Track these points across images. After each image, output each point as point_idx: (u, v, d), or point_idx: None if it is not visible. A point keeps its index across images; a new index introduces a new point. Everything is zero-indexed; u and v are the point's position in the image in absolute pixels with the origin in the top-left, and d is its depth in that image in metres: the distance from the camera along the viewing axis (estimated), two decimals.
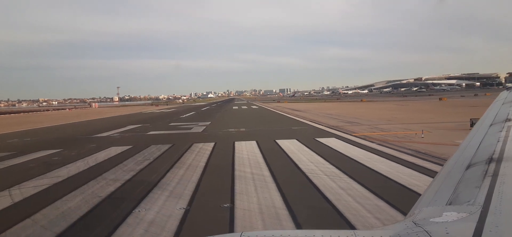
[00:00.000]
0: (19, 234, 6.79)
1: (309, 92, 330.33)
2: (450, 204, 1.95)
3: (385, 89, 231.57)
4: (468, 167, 2.52)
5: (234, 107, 72.42)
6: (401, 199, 7.93)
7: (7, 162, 15.11)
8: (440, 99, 74.53)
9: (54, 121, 47.03)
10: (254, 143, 17.97)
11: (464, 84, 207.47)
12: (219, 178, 10.88)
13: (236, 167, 12.30)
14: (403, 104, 59.83)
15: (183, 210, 7.73)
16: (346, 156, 13.64)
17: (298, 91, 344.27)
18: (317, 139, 18.77)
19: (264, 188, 9.35)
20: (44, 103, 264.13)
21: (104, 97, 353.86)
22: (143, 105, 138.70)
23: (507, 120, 3.80)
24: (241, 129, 26.25)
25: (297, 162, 12.64)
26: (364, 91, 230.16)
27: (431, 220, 1.74)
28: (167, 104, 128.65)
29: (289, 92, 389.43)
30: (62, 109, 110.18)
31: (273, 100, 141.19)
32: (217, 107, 77.03)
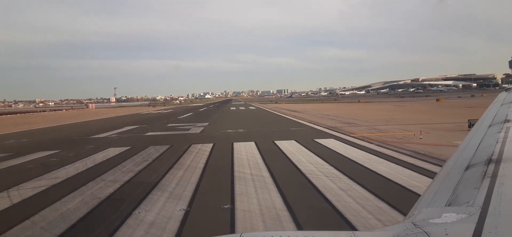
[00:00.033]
0: (18, 236, 6.74)
1: (307, 93, 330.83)
2: (449, 205, 1.95)
3: (382, 90, 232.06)
4: (467, 168, 2.52)
5: (231, 108, 72.36)
6: (401, 200, 7.93)
7: (4, 163, 15.01)
8: (437, 100, 74.86)
9: (51, 121, 46.84)
10: (252, 143, 17.95)
11: (460, 85, 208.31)
12: (219, 179, 10.85)
13: (235, 168, 12.28)
14: (400, 105, 60.01)
15: (183, 211, 7.70)
16: (345, 157, 13.64)
17: (296, 92, 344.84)
18: (316, 139, 18.77)
19: (264, 189, 9.33)
20: (41, 104, 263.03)
21: (101, 98, 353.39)
22: (140, 106, 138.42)
23: (506, 120, 3.80)
24: (239, 130, 26.22)
25: (296, 163, 12.64)
26: (361, 92, 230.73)
27: (430, 221, 1.74)
28: (164, 105, 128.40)
29: (286, 93, 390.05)
30: (59, 110, 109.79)
31: (271, 101, 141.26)
32: (214, 108, 76.96)
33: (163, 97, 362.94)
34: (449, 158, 2.98)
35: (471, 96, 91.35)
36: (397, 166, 11.60)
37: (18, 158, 16.07)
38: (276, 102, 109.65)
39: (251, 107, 74.42)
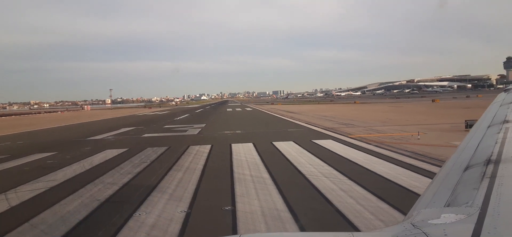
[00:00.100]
0: None
1: (303, 94, 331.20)
2: (448, 206, 1.95)
3: (377, 91, 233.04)
4: (466, 168, 2.52)
5: (228, 110, 72.31)
6: (402, 200, 7.92)
7: (0, 165, 14.87)
8: (433, 101, 75.35)
9: (46, 123, 46.56)
10: (251, 145, 17.92)
11: (455, 86, 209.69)
12: (219, 181, 10.81)
13: (235, 169, 12.24)
14: (396, 106, 60.24)
15: (185, 213, 7.66)
16: (345, 158, 13.64)
17: (292, 93, 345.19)
18: (314, 140, 18.77)
19: (265, 190, 9.30)
20: (35, 106, 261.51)
21: (96, 99, 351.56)
22: (135, 107, 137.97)
23: (505, 121, 3.80)
24: (237, 131, 26.18)
25: (296, 164, 12.62)
26: (357, 93, 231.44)
27: (429, 221, 1.73)
28: (160, 107, 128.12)
29: (282, 94, 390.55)
30: (54, 112, 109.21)
31: (267, 102, 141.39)
32: (211, 110, 76.88)
33: (158, 99, 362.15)
34: (448, 159, 2.98)
35: (466, 97, 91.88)
36: (397, 166, 11.61)
37: (14, 160, 15.93)
38: (272, 104, 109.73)
39: (247, 109, 74.42)
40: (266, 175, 11.11)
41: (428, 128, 22.36)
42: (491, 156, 2.65)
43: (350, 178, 10.14)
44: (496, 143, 2.99)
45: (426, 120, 29.70)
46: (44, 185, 10.97)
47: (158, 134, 26.99)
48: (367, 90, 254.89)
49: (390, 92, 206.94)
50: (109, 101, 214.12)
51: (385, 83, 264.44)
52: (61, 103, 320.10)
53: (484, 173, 2.31)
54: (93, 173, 12.47)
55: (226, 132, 26.04)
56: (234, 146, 17.62)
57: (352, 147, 16.16)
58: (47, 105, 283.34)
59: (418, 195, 2.37)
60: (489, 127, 3.76)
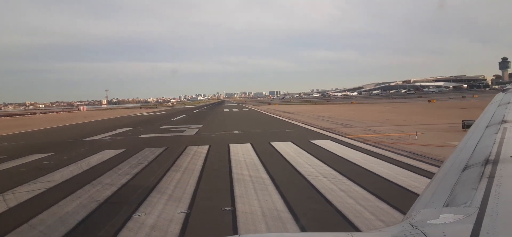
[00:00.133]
0: None
1: (299, 95, 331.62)
2: (447, 206, 1.95)
3: (374, 92, 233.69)
4: (465, 168, 2.53)
5: (225, 110, 72.24)
6: (401, 200, 7.93)
7: None
8: (429, 101, 75.60)
9: (42, 124, 46.30)
10: (249, 145, 17.90)
11: (451, 86, 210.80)
12: (218, 181, 10.79)
13: (233, 169, 12.21)
14: (393, 106, 60.43)
15: (184, 214, 7.63)
16: (343, 158, 13.65)
17: (288, 94, 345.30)
18: (312, 141, 18.78)
19: (264, 190, 9.28)
20: (31, 107, 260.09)
21: (92, 100, 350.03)
22: (132, 108, 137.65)
23: (503, 121, 3.82)
24: (234, 132, 26.15)
25: (294, 164, 12.61)
26: (353, 94, 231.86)
27: (428, 222, 1.74)
28: (156, 107, 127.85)
29: (279, 95, 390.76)
30: (50, 112, 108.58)
31: (263, 102, 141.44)
32: (207, 110, 76.77)
33: (155, 100, 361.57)
34: (447, 159, 2.99)
35: (462, 97, 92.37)
36: (396, 166, 11.63)
37: (11, 161, 15.81)
38: (269, 104, 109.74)
39: (244, 109, 74.40)
40: (265, 176, 11.10)
41: (426, 128, 22.42)
42: (489, 156, 2.66)
43: (349, 178, 10.15)
44: (494, 143, 3.00)
45: (423, 120, 29.80)
46: (42, 186, 10.90)
47: (156, 134, 26.91)
48: (363, 91, 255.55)
49: (387, 92, 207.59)
50: (105, 102, 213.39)
51: (381, 83, 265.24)
52: (56, 104, 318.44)
53: (483, 173, 2.31)
54: (91, 174, 12.40)
55: (223, 132, 26.00)
56: (232, 146, 17.59)
57: (350, 147, 16.17)
58: (43, 106, 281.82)
59: (417, 195, 2.37)
60: (487, 127, 3.77)
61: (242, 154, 15.42)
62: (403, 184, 9.38)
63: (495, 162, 2.49)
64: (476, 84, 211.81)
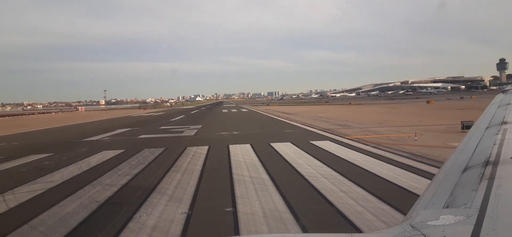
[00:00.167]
0: None
1: (298, 95, 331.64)
2: (447, 207, 1.95)
3: (372, 92, 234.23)
4: (465, 170, 2.53)
5: (223, 111, 72.24)
6: (402, 201, 7.94)
7: None
8: (427, 102, 75.78)
9: (40, 124, 46.21)
10: (248, 146, 17.90)
11: (449, 87, 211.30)
12: (218, 182, 10.79)
13: (234, 170, 12.21)
14: (391, 107, 60.51)
15: (185, 215, 7.62)
16: (343, 159, 13.66)
17: (287, 95, 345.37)
18: (312, 141, 18.79)
19: (265, 191, 9.29)
20: (29, 107, 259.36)
21: (90, 100, 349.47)
22: (130, 108, 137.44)
23: (503, 122, 3.82)
24: (234, 132, 26.15)
25: (295, 165, 12.61)
26: (352, 94, 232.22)
27: (428, 223, 1.74)
28: (155, 108, 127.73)
29: (277, 96, 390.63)
30: (48, 113, 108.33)
31: (262, 103, 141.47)
32: (206, 111, 76.74)
33: (153, 100, 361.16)
34: (447, 160, 2.98)
35: (460, 98, 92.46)
36: (395, 167, 11.65)
37: (10, 162, 15.77)
38: (268, 105, 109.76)
39: (243, 110, 74.40)
40: (265, 176, 11.10)
41: (425, 129, 22.46)
42: (489, 157, 2.66)
43: (349, 179, 10.16)
44: (494, 144, 3.00)
45: (421, 121, 29.83)
46: (42, 186, 10.88)
47: (155, 135, 26.88)
48: (361, 92, 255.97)
49: (385, 93, 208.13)
50: (103, 102, 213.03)
51: (379, 84, 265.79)
52: (54, 104, 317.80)
53: (483, 174, 2.32)
54: (91, 174, 12.38)
55: (222, 133, 26.00)
56: (232, 147, 17.59)
57: (349, 148, 16.19)
58: (41, 106, 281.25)
59: (418, 196, 2.38)
60: (487, 128, 3.77)
61: (242, 154, 15.43)
62: (404, 184, 9.39)
63: (495, 163, 2.49)
64: (474, 85, 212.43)
